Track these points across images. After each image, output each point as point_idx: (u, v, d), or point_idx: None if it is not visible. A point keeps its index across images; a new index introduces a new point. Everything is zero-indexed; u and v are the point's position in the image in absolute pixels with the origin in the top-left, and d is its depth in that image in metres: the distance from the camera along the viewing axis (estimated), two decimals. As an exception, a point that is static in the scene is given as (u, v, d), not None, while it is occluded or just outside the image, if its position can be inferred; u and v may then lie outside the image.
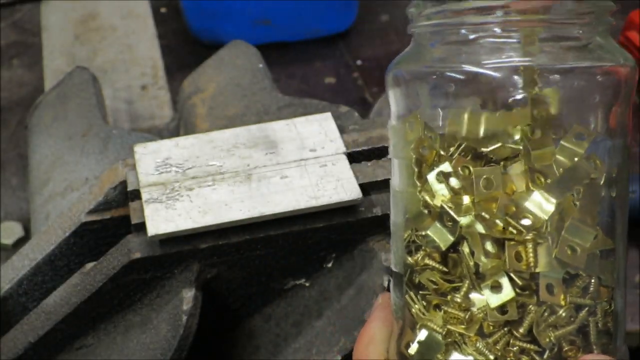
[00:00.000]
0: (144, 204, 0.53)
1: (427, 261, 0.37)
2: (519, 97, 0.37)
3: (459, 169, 0.37)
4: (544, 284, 0.36)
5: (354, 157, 0.57)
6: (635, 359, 0.92)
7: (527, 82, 0.36)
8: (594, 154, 0.38)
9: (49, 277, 0.58)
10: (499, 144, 0.37)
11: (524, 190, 0.37)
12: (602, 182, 0.38)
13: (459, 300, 0.37)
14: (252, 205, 0.53)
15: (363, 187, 0.55)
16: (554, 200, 0.36)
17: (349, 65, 1.21)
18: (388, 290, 0.54)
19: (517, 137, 0.37)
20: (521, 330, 0.36)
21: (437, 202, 0.37)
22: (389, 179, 0.56)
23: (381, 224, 0.55)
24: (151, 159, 0.56)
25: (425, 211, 0.38)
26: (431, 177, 0.37)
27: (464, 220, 0.36)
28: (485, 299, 0.36)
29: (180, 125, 0.75)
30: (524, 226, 0.36)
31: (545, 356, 0.36)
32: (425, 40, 0.39)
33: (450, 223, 0.37)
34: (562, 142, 0.37)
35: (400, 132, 0.40)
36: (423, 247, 0.38)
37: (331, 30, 1.24)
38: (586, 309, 0.37)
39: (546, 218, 0.36)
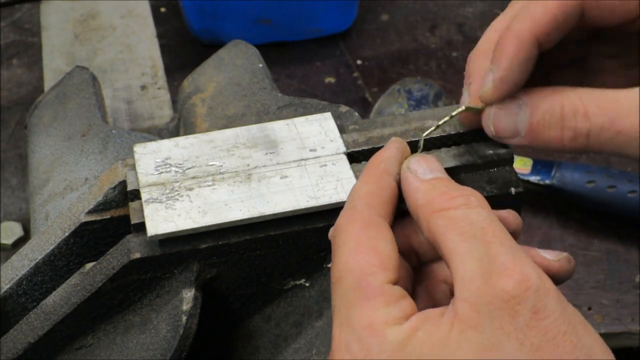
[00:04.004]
0: (144, 204, 0.53)
1: None
2: None
3: None
4: None
5: (354, 157, 0.57)
6: (636, 359, 0.92)
7: None
8: None
9: (49, 277, 0.58)
10: None
11: None
12: None
13: None
14: (252, 205, 0.53)
15: (363, 187, 0.55)
16: None
17: (349, 65, 1.21)
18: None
19: None
20: None
21: None
22: (389, 179, 0.56)
23: (381, 224, 0.55)
24: (151, 159, 0.56)
25: None
26: None
27: None
28: None
29: (180, 125, 0.75)
30: None
31: None
32: None
33: None
34: None
35: None
36: None
37: (331, 30, 1.24)
38: None
39: None
